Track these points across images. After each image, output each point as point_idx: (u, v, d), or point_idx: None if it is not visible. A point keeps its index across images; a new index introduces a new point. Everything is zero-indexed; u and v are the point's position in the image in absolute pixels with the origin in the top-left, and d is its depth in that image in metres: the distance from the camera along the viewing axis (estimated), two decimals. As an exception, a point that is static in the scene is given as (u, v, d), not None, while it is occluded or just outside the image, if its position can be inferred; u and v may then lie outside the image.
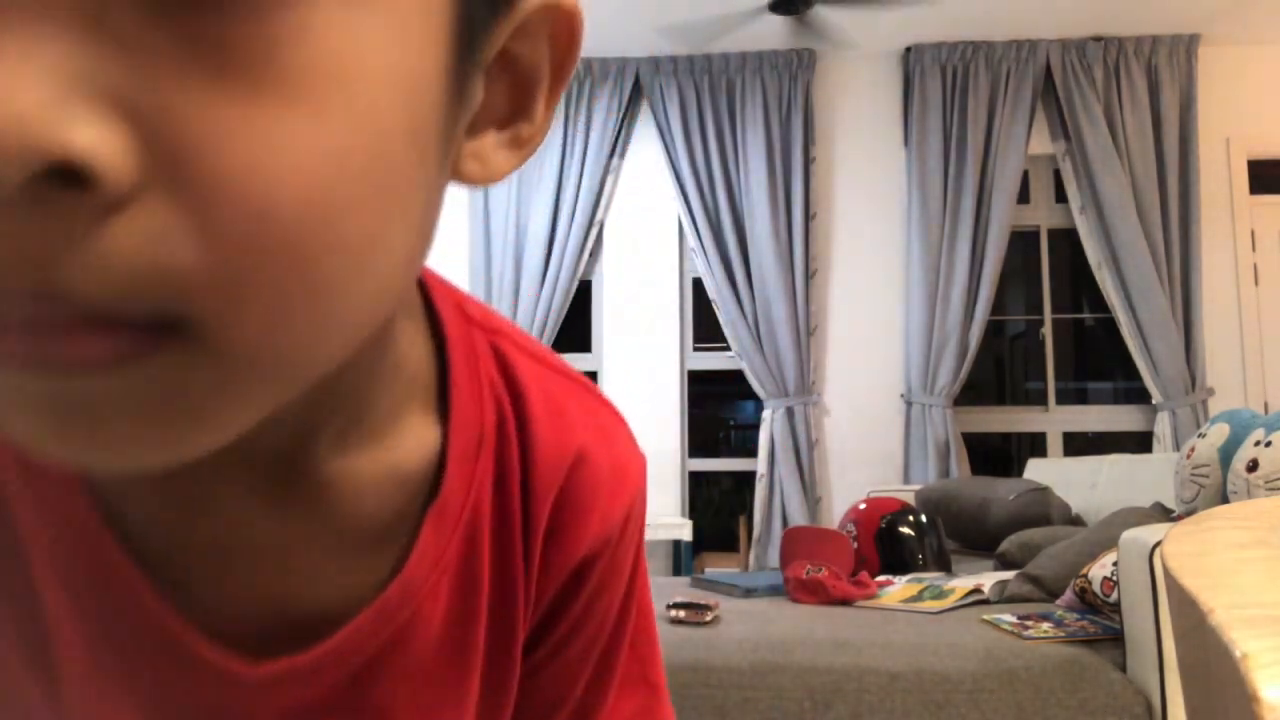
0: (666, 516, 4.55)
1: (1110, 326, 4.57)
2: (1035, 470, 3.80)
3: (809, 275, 4.60)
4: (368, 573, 0.37)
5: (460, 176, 0.29)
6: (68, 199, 0.20)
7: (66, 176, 0.20)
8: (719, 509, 5.35)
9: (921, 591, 2.35)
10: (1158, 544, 1.73)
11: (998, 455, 5.04)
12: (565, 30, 0.30)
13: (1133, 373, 4.51)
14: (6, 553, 0.33)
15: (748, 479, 4.76)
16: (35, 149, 0.19)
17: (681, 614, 2.09)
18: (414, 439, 0.37)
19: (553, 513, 0.42)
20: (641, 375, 4.72)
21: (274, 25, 0.21)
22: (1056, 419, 4.70)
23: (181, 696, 0.35)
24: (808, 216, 4.61)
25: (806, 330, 4.57)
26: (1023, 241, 4.81)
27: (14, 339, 0.22)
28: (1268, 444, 2.01)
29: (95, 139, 0.20)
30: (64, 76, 0.20)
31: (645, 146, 4.79)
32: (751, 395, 4.67)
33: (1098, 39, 4.59)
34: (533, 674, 0.46)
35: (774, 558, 4.36)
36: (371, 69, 0.23)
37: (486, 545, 0.39)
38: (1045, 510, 3.08)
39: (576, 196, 4.69)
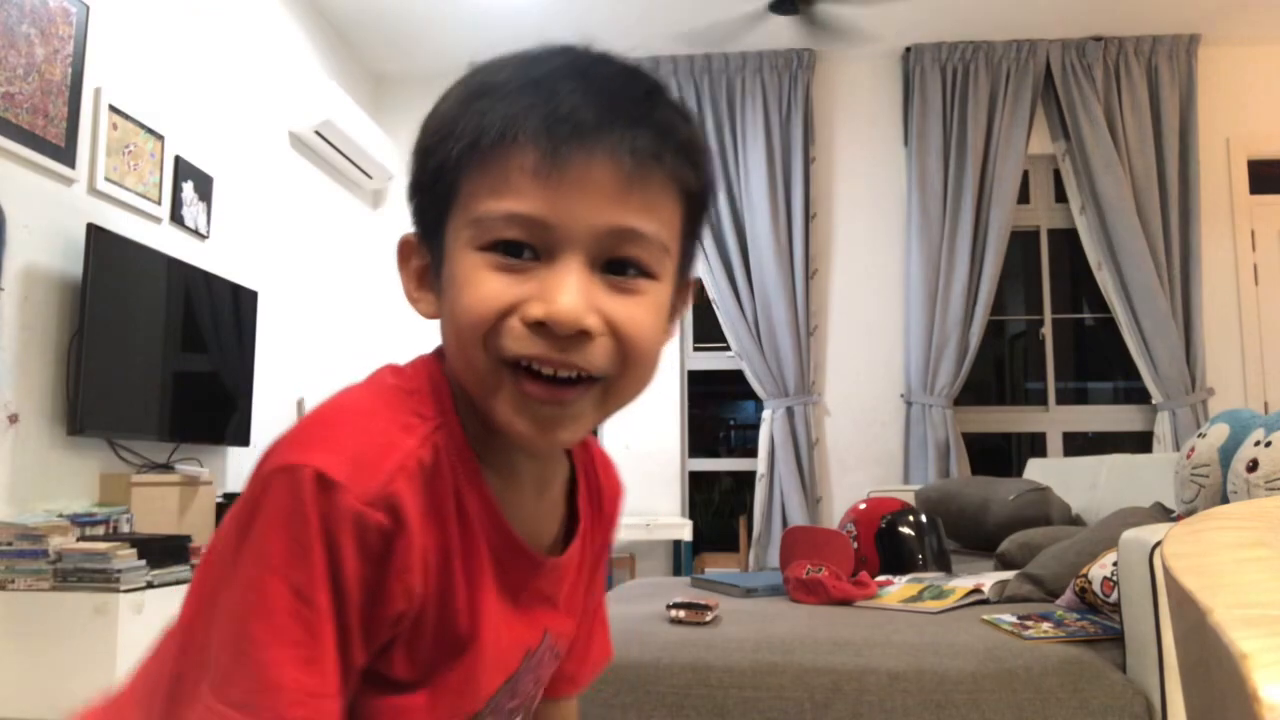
0: (666, 516, 4.55)
1: (1110, 326, 4.57)
2: (1035, 470, 3.79)
3: (809, 275, 4.60)
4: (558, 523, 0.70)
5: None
6: (584, 340, 0.55)
7: (584, 333, 0.55)
8: (719, 509, 5.35)
9: (921, 591, 2.35)
10: (1158, 544, 1.73)
11: (998, 455, 5.04)
12: (693, 288, 0.66)
13: (1133, 373, 4.51)
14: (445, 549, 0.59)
15: (748, 479, 4.75)
16: (577, 323, 0.54)
17: (681, 614, 2.09)
18: (561, 463, 0.71)
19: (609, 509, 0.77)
20: (641, 375, 4.71)
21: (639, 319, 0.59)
22: (1056, 419, 4.70)
23: (521, 580, 0.64)
24: (808, 216, 4.61)
25: (806, 330, 4.57)
26: (1023, 241, 4.81)
27: (542, 385, 0.56)
28: (1268, 444, 2.01)
29: (593, 322, 0.55)
30: (585, 295, 0.55)
31: (645, 146, 4.78)
32: (751, 395, 4.66)
33: (1098, 39, 4.59)
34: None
35: (774, 558, 4.36)
36: (665, 303, 0.61)
37: (588, 518, 0.72)
38: (1045, 510, 3.08)
39: (576, 196, 4.68)
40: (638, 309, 0.56)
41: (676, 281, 0.61)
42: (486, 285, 0.54)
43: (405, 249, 0.64)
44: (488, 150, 0.55)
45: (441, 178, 0.57)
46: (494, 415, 0.57)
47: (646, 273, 0.57)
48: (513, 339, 0.54)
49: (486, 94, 0.56)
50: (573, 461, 0.70)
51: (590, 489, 0.72)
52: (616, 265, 0.56)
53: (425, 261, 0.62)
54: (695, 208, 0.60)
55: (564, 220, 0.54)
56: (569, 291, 0.53)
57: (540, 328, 0.54)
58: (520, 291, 0.54)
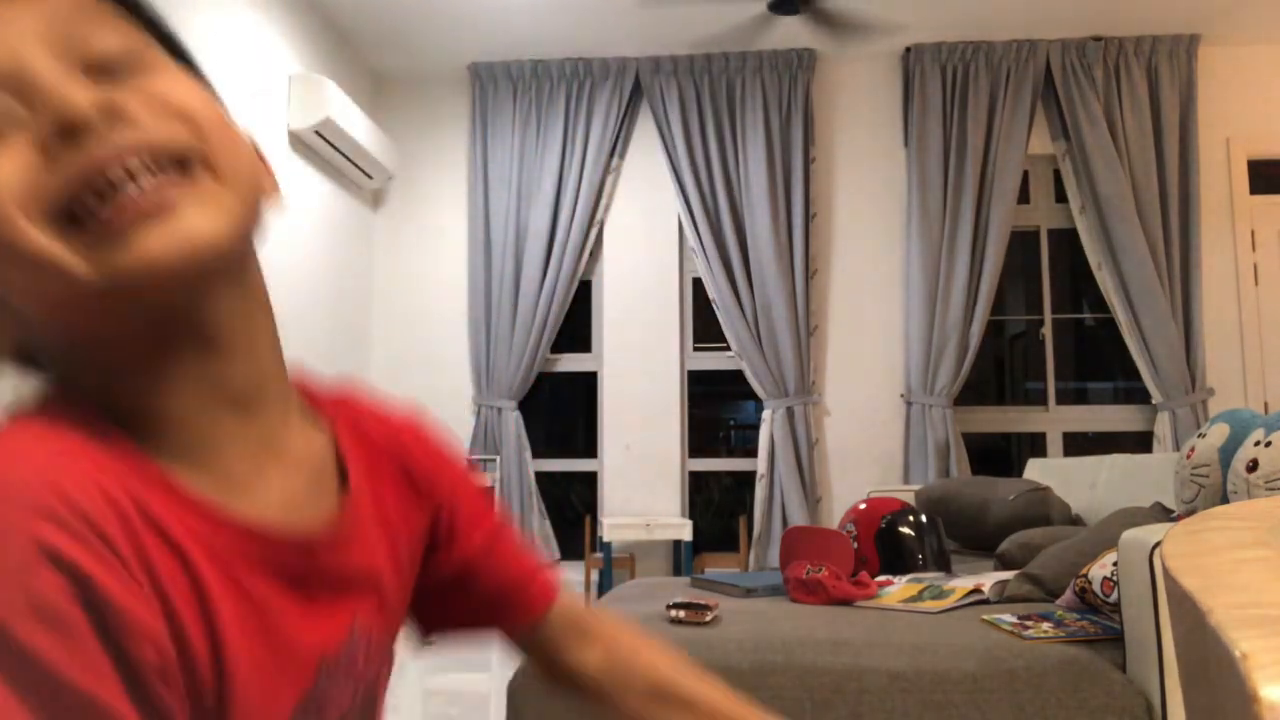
0: (666, 516, 4.55)
1: (1110, 326, 4.57)
2: (1035, 470, 3.80)
3: (809, 275, 4.60)
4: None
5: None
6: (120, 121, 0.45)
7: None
8: (719, 509, 5.35)
9: (921, 591, 2.35)
10: (1158, 544, 1.73)
11: (998, 455, 5.04)
12: (259, 152, 0.57)
13: (1133, 373, 4.51)
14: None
15: (748, 479, 4.76)
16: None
17: (681, 614, 2.09)
18: (312, 432, 0.59)
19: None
20: (641, 375, 4.72)
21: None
22: (1056, 419, 4.70)
23: (292, 572, 0.51)
24: (808, 216, 4.61)
25: (806, 330, 4.57)
26: (1023, 241, 4.81)
27: (127, 197, 0.43)
28: (1268, 444, 2.01)
29: (116, 97, 0.45)
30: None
31: (645, 146, 4.79)
32: (751, 395, 4.67)
33: (1098, 39, 4.59)
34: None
35: (774, 558, 4.36)
36: (196, 86, 0.50)
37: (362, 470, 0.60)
38: (1045, 510, 3.08)
39: (576, 196, 4.69)
40: (157, 79, 0.48)
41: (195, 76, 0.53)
42: None
43: None
44: None
45: None
46: (118, 273, 0.43)
47: (137, 54, 0.48)
48: (50, 187, 0.43)
49: None
50: (333, 427, 0.60)
51: (360, 436, 0.61)
52: (105, 67, 0.46)
53: None
54: (141, 20, 0.50)
55: None
56: (60, 87, 0.43)
57: (66, 151, 0.43)
58: (17, 151, 0.43)
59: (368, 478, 0.60)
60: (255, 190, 0.50)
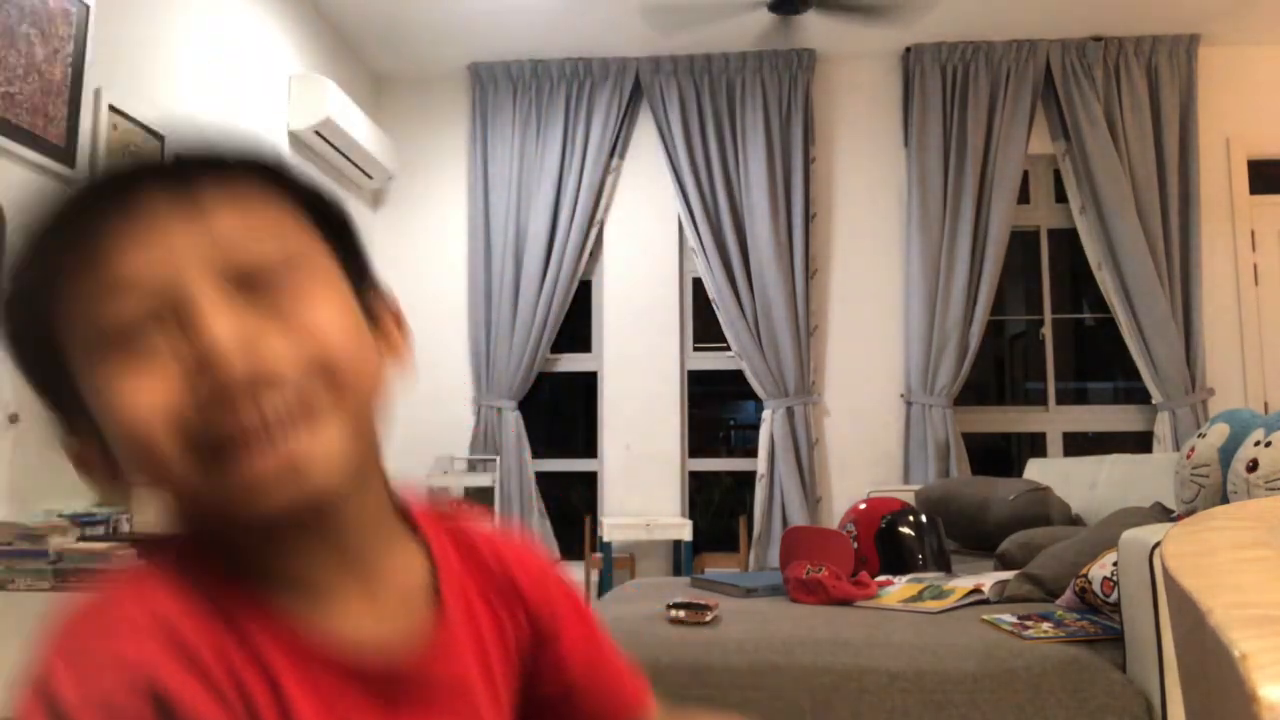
0: (666, 516, 4.55)
1: (1110, 326, 4.57)
2: (1035, 470, 3.80)
3: (809, 275, 4.60)
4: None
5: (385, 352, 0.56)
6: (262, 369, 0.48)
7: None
8: (719, 509, 5.35)
9: (921, 591, 2.35)
10: (1158, 544, 1.73)
11: (998, 455, 5.04)
12: (396, 315, 0.60)
13: (1133, 373, 4.51)
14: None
15: (748, 479, 4.75)
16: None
17: (681, 614, 2.09)
18: (409, 549, 0.60)
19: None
20: (641, 375, 4.72)
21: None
22: (1056, 419, 4.70)
23: (382, 695, 0.53)
24: (808, 216, 4.61)
25: (806, 330, 4.57)
26: (1023, 241, 4.81)
27: (256, 455, 0.46)
28: (1268, 444, 2.01)
29: (264, 351, 0.48)
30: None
31: (645, 146, 4.79)
32: (751, 395, 4.66)
33: (1098, 39, 4.59)
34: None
35: (774, 558, 4.36)
36: (333, 285, 0.52)
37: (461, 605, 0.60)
38: (1045, 510, 3.08)
39: (576, 196, 4.69)
40: (304, 307, 0.49)
41: (347, 274, 0.55)
42: (132, 388, 0.46)
43: (76, 458, 0.53)
44: (51, 276, 0.48)
45: (38, 349, 0.51)
46: (238, 505, 0.47)
47: (286, 268, 0.50)
48: (198, 427, 0.46)
49: (23, 256, 0.50)
50: (429, 547, 0.61)
51: (458, 553, 0.62)
52: (253, 279, 0.49)
53: (89, 443, 0.51)
54: (306, 203, 0.54)
55: (154, 269, 0.47)
56: (214, 334, 0.46)
57: (222, 395, 0.46)
58: (171, 376, 0.46)
59: (463, 595, 0.61)
60: (376, 406, 0.53)
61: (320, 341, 0.48)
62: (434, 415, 4.59)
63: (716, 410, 5.69)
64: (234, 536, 0.51)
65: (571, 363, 4.85)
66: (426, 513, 0.63)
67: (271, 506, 0.47)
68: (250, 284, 0.48)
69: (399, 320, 0.59)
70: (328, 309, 0.50)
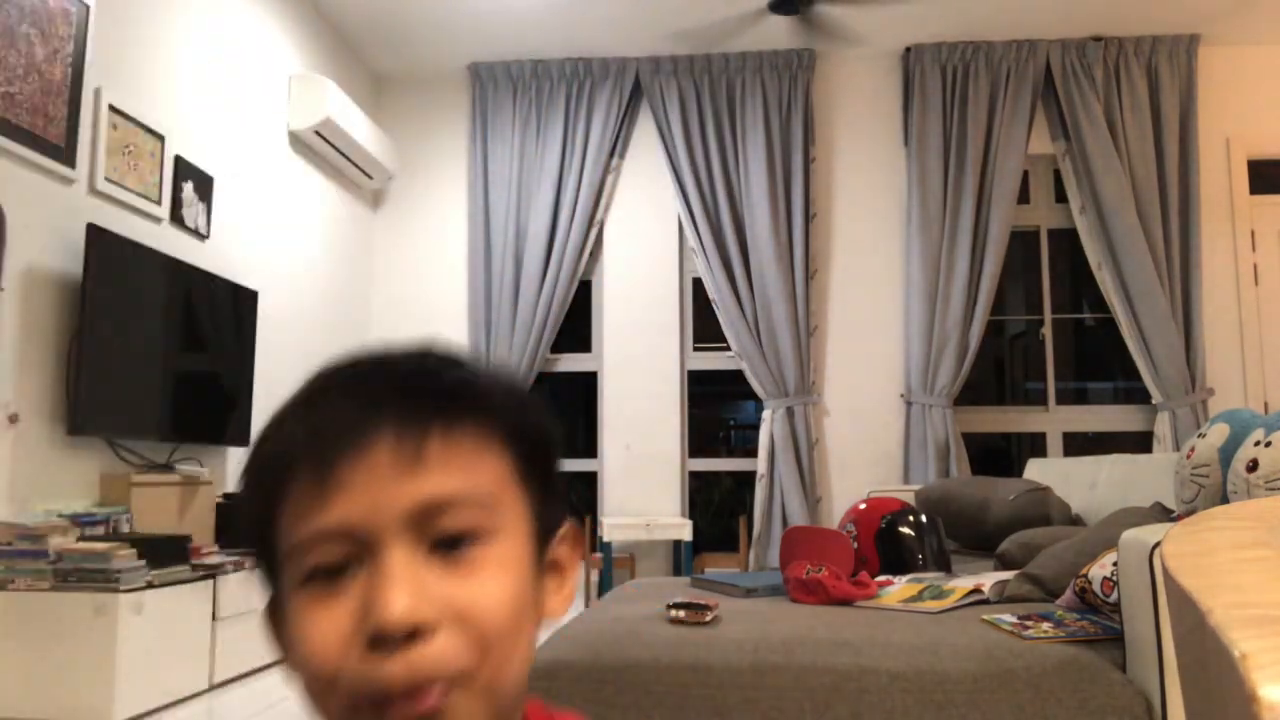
0: (666, 516, 4.55)
1: (1110, 326, 4.57)
2: (1035, 470, 3.80)
3: (809, 275, 4.60)
4: None
5: (542, 611, 0.57)
6: (425, 638, 0.49)
7: (421, 631, 0.49)
8: (719, 509, 5.35)
9: (921, 591, 2.35)
10: (1158, 544, 1.73)
11: (998, 455, 5.04)
12: (574, 538, 0.61)
13: (1133, 373, 4.51)
14: None
15: (748, 479, 4.75)
16: (407, 622, 0.48)
17: (681, 614, 2.09)
18: None
19: None
20: (641, 375, 4.72)
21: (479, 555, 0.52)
22: (1056, 419, 4.70)
23: None
24: (808, 216, 4.62)
25: (806, 330, 4.57)
26: (1023, 241, 4.81)
27: (399, 706, 0.48)
28: (1268, 444, 2.01)
29: (426, 613, 0.49)
30: (409, 586, 0.50)
31: (645, 146, 4.79)
32: (751, 395, 4.67)
33: (1098, 39, 4.59)
34: None
35: (774, 558, 4.36)
36: (519, 562, 0.54)
37: None
38: (1045, 510, 3.08)
39: (576, 196, 4.69)
40: (477, 581, 0.51)
41: (536, 533, 0.56)
42: (317, 623, 0.50)
43: (269, 615, 0.57)
44: (275, 487, 0.53)
45: (258, 533, 0.55)
46: None
47: (479, 536, 0.52)
48: (356, 678, 0.49)
49: (266, 433, 0.55)
50: None
51: None
52: (447, 542, 0.51)
53: (276, 621, 0.56)
54: (523, 450, 0.56)
55: (361, 516, 0.50)
56: (390, 590, 0.49)
57: (380, 644, 0.48)
58: (350, 616, 0.50)
59: None
60: (514, 685, 0.54)
61: (484, 625, 0.51)
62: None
63: (716, 410, 5.69)
64: None
65: (571, 363, 4.86)
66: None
67: None
68: (441, 544, 0.52)
69: (575, 544, 0.61)
70: (501, 585, 0.53)
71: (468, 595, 0.51)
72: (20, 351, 2.54)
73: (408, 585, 0.49)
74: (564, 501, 0.61)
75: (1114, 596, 1.89)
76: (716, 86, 4.72)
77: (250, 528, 0.55)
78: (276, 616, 0.55)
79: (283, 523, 0.52)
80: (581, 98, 4.75)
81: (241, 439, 3.45)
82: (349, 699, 0.49)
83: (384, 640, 0.48)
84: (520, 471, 0.55)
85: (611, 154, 4.74)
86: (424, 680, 0.49)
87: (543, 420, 0.58)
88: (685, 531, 4.38)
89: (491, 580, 0.52)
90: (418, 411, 0.52)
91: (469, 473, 0.52)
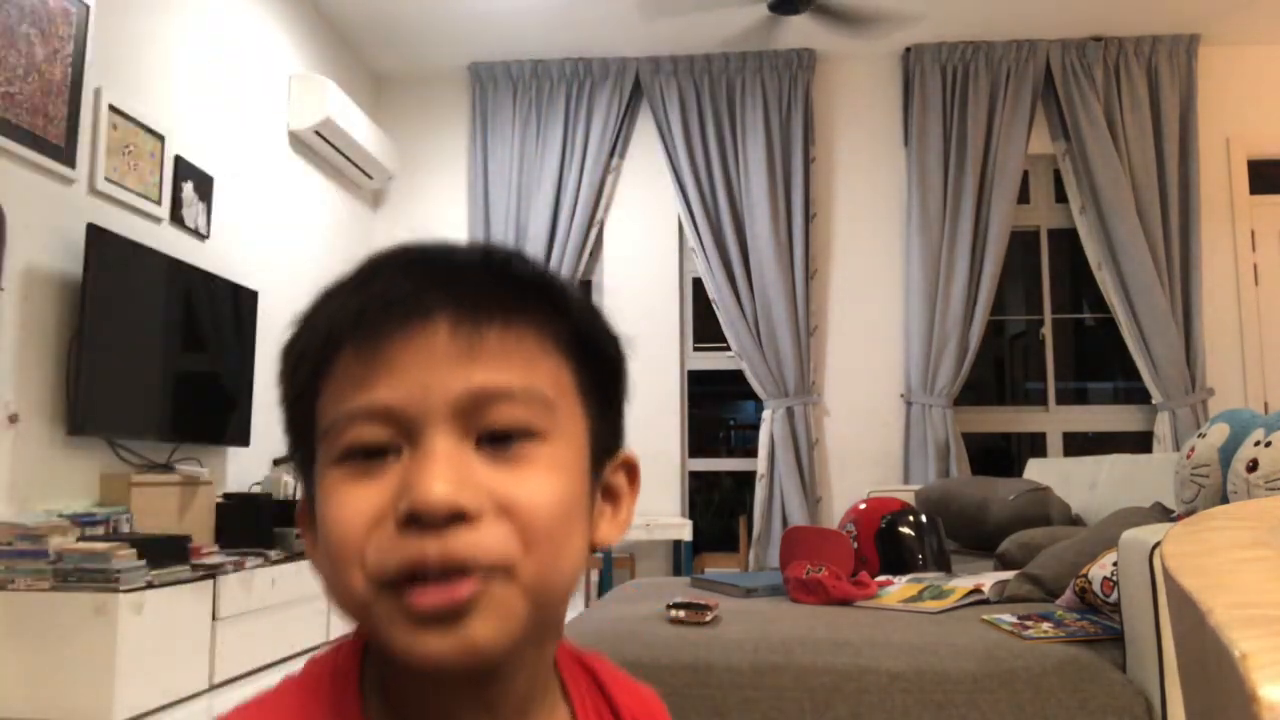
0: (666, 516, 4.55)
1: (1110, 326, 4.57)
2: (1035, 470, 3.79)
3: (809, 275, 4.60)
4: None
5: (595, 535, 0.55)
6: (465, 525, 0.46)
7: (462, 516, 0.45)
8: (719, 509, 5.35)
9: (921, 591, 2.35)
10: (1158, 544, 1.73)
11: (998, 455, 5.04)
12: (631, 469, 0.59)
13: (1133, 373, 4.51)
14: None
15: (748, 479, 4.75)
16: (447, 504, 0.45)
17: (681, 614, 2.09)
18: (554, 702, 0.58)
19: None
20: (641, 375, 4.71)
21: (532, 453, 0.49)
22: (1056, 419, 4.70)
23: None
24: (808, 216, 4.62)
25: (806, 330, 4.57)
26: (1023, 241, 4.81)
27: (431, 590, 0.45)
28: (1268, 444, 2.01)
29: (468, 499, 0.46)
30: (454, 471, 0.46)
31: (645, 146, 4.79)
32: (751, 395, 4.66)
33: (1098, 39, 4.59)
34: None
35: (774, 558, 4.36)
36: (571, 468, 0.51)
37: None
38: (1045, 510, 3.08)
39: (576, 196, 4.69)
40: (526, 476, 0.48)
41: (593, 449, 0.53)
42: (349, 498, 0.47)
43: (301, 514, 0.54)
44: (319, 361, 0.50)
45: (296, 412, 0.52)
46: (395, 650, 0.47)
47: (532, 434, 0.49)
48: (387, 550, 0.46)
49: (309, 312, 0.53)
50: (568, 693, 0.59)
51: (600, 702, 0.61)
52: (497, 437, 0.48)
53: (314, 517, 0.52)
54: (586, 360, 0.53)
55: (409, 398, 0.47)
56: (433, 470, 0.46)
57: (413, 525, 0.45)
58: (385, 494, 0.47)
59: None
60: (560, 592, 0.50)
61: (528, 517, 0.47)
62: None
63: (716, 410, 5.69)
64: (394, 673, 0.51)
65: (571, 363, 4.85)
66: (569, 660, 0.61)
67: (428, 660, 0.46)
68: (490, 438, 0.48)
69: (633, 475, 0.59)
70: (551, 485, 0.49)
71: (515, 488, 0.47)
72: (20, 351, 2.54)
73: (452, 469, 0.46)
74: (623, 427, 0.57)
75: (1114, 596, 1.89)
76: (716, 86, 4.72)
77: (290, 406, 0.53)
78: (309, 512, 0.53)
79: (323, 400, 0.50)
80: (581, 98, 4.75)
81: (241, 439, 3.45)
82: (374, 578, 0.46)
83: (420, 520, 0.45)
84: (582, 381, 0.52)
85: (611, 154, 4.74)
86: (460, 563, 0.45)
87: (613, 334, 0.55)
88: (685, 531, 4.38)
89: (541, 477, 0.48)
90: (479, 298, 0.49)
91: (527, 369, 0.49)
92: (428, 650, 0.46)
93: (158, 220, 3.15)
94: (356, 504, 0.47)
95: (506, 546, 0.46)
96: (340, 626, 3.28)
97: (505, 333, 0.49)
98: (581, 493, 0.51)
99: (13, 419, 2.51)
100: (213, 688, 2.66)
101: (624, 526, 0.57)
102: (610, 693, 0.61)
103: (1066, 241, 4.74)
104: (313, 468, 0.51)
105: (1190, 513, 2.20)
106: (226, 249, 3.54)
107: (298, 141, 4.13)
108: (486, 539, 0.46)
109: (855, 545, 2.76)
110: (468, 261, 0.52)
